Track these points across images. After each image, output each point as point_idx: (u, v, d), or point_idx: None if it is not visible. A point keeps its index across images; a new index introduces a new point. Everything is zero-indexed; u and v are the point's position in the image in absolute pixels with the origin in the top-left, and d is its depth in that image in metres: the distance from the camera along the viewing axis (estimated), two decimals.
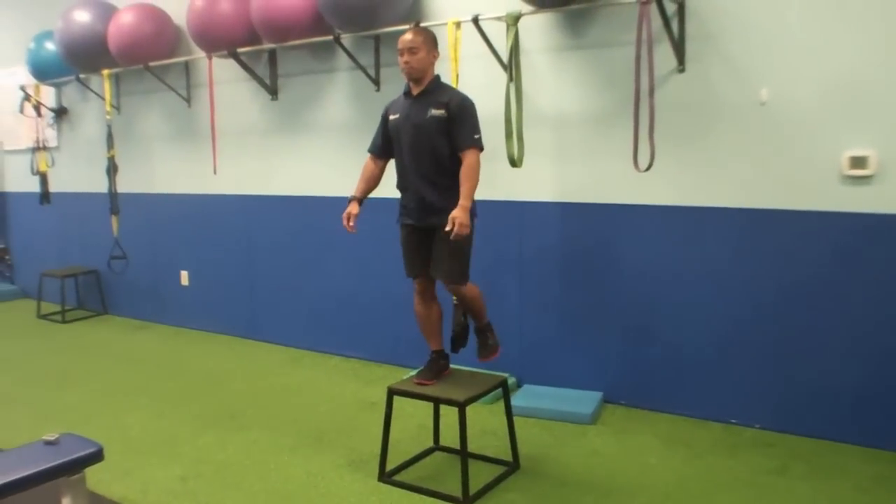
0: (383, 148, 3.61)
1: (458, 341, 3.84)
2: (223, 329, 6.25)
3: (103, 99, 6.25)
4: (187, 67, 6.07)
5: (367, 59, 4.99)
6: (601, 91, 4.20)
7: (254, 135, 5.79)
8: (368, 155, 3.66)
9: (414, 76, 3.44)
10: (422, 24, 4.43)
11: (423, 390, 3.33)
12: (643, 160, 3.59)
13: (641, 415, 4.17)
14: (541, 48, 4.37)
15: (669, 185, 4.03)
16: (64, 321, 6.89)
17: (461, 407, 3.18)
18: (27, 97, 6.71)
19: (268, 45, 5.15)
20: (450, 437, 3.81)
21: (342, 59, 5.07)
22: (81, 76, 6.35)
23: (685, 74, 3.93)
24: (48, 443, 2.93)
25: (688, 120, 3.94)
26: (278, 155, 5.65)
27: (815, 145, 3.64)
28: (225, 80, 5.78)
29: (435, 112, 3.38)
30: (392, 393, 3.41)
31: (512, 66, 4.04)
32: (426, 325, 3.55)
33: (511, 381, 4.61)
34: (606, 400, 4.35)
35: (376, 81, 4.99)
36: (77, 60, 6.02)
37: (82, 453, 2.90)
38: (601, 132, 4.21)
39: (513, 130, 4.04)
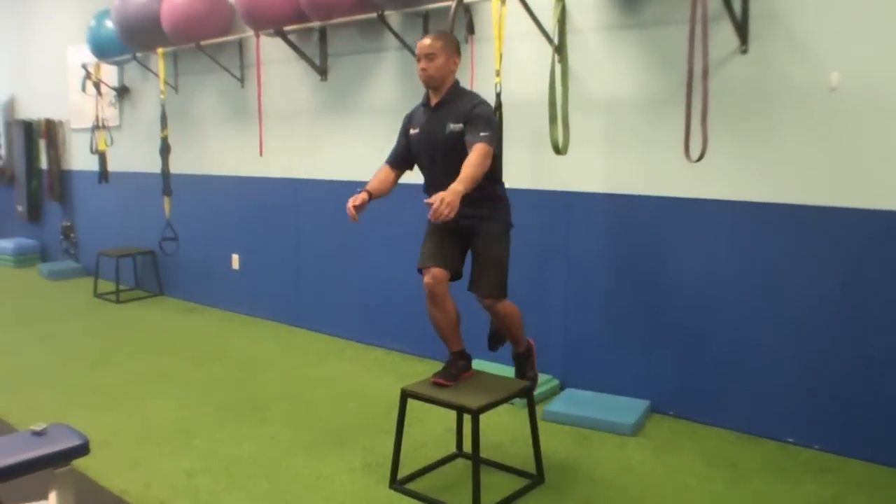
0: (402, 160, 3.41)
1: (497, 338, 3.58)
2: (270, 315, 6.14)
3: (159, 78, 6.19)
4: (241, 47, 5.95)
5: (414, 38, 4.72)
6: (656, 74, 3.83)
7: (303, 116, 5.62)
8: (385, 165, 3.43)
9: (432, 84, 3.20)
10: (465, 0, 4.16)
11: (437, 394, 3.07)
12: (695, 149, 3.22)
13: (689, 427, 3.81)
14: (593, 27, 4.02)
15: (728, 177, 3.64)
16: (118, 301, 6.93)
17: (474, 415, 2.91)
18: (88, 76, 6.72)
19: (315, 24, 4.95)
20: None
21: (390, 38, 4.83)
22: (139, 55, 6.32)
23: (748, 56, 3.52)
24: (35, 433, 2.81)
25: (750, 106, 3.54)
26: (327, 137, 5.47)
27: (891, 136, 3.20)
28: (276, 59, 5.64)
29: (454, 127, 3.15)
30: (406, 395, 3.16)
31: (557, 45, 3.72)
32: (443, 327, 3.26)
33: (553, 384, 4.32)
34: (654, 409, 4.00)
35: None
36: (133, 38, 5.98)
37: (67, 446, 2.78)
38: (656, 119, 3.85)
39: (557, 115, 3.72)
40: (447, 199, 2.82)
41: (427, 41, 3.18)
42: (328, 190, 5.52)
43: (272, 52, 5.60)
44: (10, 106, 8.96)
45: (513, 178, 4.31)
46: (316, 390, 4.49)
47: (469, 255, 3.32)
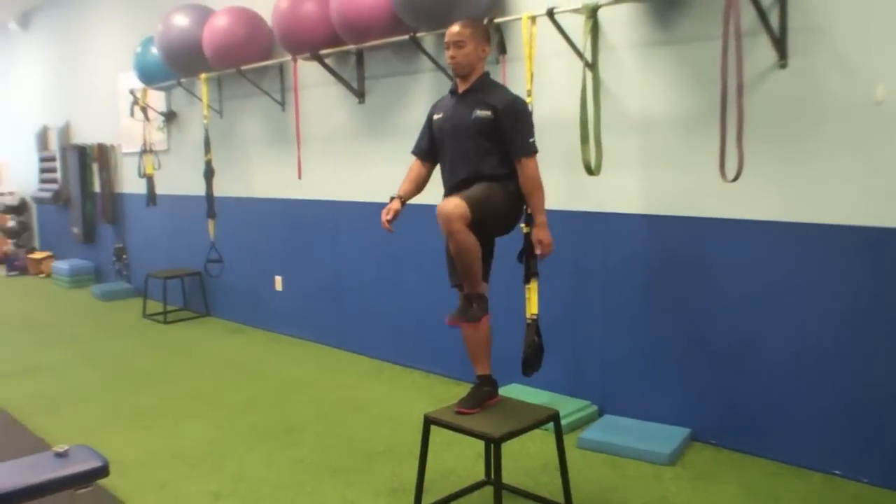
0: (428, 150, 3.35)
1: (531, 364, 3.49)
2: (313, 337, 6.15)
3: (202, 102, 6.31)
4: (281, 71, 6.02)
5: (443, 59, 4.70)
6: (692, 91, 3.72)
7: (342, 139, 5.64)
8: (415, 158, 3.38)
9: (460, 72, 3.16)
10: (496, 20, 4.13)
11: (460, 421, 2.99)
12: (732, 169, 3.11)
13: (731, 458, 3.65)
14: (627, 44, 3.94)
15: (769, 197, 3.50)
16: (165, 322, 7.03)
17: (496, 443, 2.82)
18: (136, 101, 6.88)
19: (350, 46, 4.97)
20: (508, 470, 3.49)
21: (424, 59, 4.82)
22: (183, 80, 6.44)
23: (787, 70, 3.40)
24: (58, 454, 2.83)
25: (791, 122, 3.41)
26: (365, 159, 5.48)
27: None
28: (314, 83, 5.68)
29: (480, 113, 3.09)
30: (429, 422, 3.09)
31: (589, 63, 3.65)
32: (473, 345, 3.21)
33: (591, 410, 4.21)
34: (695, 438, 3.85)
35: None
36: (176, 64, 6.10)
37: (87, 468, 2.77)
38: (693, 137, 3.73)
39: (588, 134, 3.64)
40: (541, 239, 3.15)
41: (456, 28, 3.15)
42: (367, 212, 5.50)
43: (311, 76, 5.65)
44: (66, 131, 9.24)
45: (548, 199, 4.22)
46: (350, 413, 4.46)
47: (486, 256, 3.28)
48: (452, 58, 3.14)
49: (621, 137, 3.95)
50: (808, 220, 3.40)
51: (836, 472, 3.40)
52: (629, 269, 4.05)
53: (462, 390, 4.61)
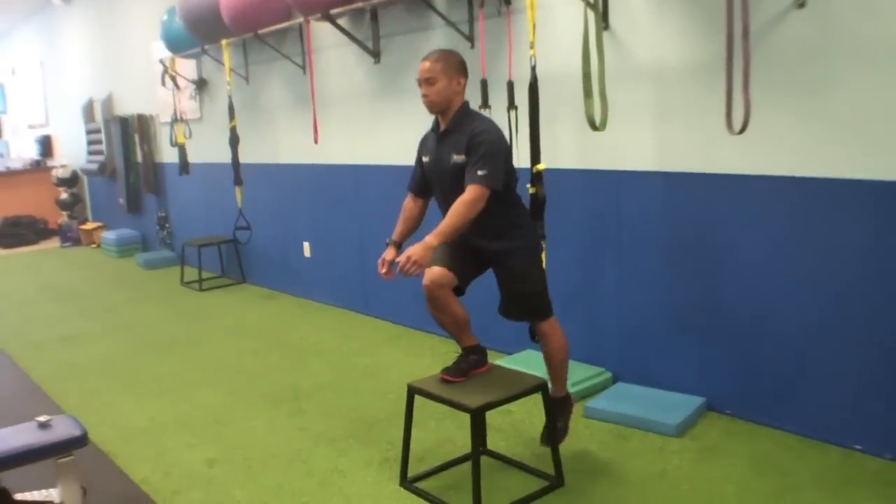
0: (422, 186, 3.20)
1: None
2: (339, 303, 6.11)
3: (230, 70, 6.26)
4: (301, 33, 5.91)
5: (460, 14, 4.52)
6: (708, 38, 3.45)
7: (359, 101, 5.52)
8: (408, 193, 3.24)
9: (435, 110, 2.98)
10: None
11: (440, 391, 2.88)
12: (738, 120, 2.89)
13: (746, 429, 3.45)
14: None
15: (790, 150, 3.24)
16: (201, 289, 7.09)
17: (474, 414, 2.70)
18: (165, 70, 6.89)
19: (361, 4, 4.82)
20: (507, 440, 3.40)
21: (436, 15, 4.64)
22: (208, 47, 6.40)
23: (805, 10, 3.10)
24: (41, 424, 2.85)
25: (811, 68, 3.12)
26: (383, 121, 5.35)
27: None
28: (331, 44, 5.57)
29: (457, 158, 2.91)
30: (412, 391, 3.00)
31: (590, 3, 3.44)
32: (449, 328, 3.06)
33: (605, 377, 4.05)
34: (711, 407, 3.66)
35: (469, 38, 4.51)
36: (197, 31, 6.06)
37: (66, 437, 2.80)
38: (708, 88, 3.47)
39: (592, 88, 3.43)
40: (414, 257, 2.68)
41: (426, 64, 2.94)
42: (387, 175, 5.40)
43: (327, 37, 5.53)
44: (109, 103, 9.36)
45: (558, 157, 4.08)
46: (362, 380, 4.40)
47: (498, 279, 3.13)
48: (425, 96, 2.94)
49: (633, 90, 3.73)
50: (831, 175, 3.13)
51: (857, 446, 3.17)
52: (644, 230, 3.85)
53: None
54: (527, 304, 3.06)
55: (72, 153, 10.95)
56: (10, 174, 11.30)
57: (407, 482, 3.05)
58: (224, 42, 6.00)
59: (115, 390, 4.45)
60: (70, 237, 10.38)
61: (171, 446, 3.61)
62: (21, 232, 10.76)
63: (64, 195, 10.66)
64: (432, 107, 2.96)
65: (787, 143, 3.23)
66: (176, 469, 3.36)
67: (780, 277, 3.34)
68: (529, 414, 3.68)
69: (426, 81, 2.93)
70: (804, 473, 3.01)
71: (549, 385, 3.15)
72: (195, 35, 6.15)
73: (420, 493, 2.99)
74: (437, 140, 3.04)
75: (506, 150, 2.97)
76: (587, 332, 4.18)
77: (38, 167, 11.53)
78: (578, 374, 3.99)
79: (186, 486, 3.20)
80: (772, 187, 3.31)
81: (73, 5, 10.09)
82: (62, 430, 2.84)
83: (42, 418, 2.87)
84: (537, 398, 3.05)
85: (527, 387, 2.90)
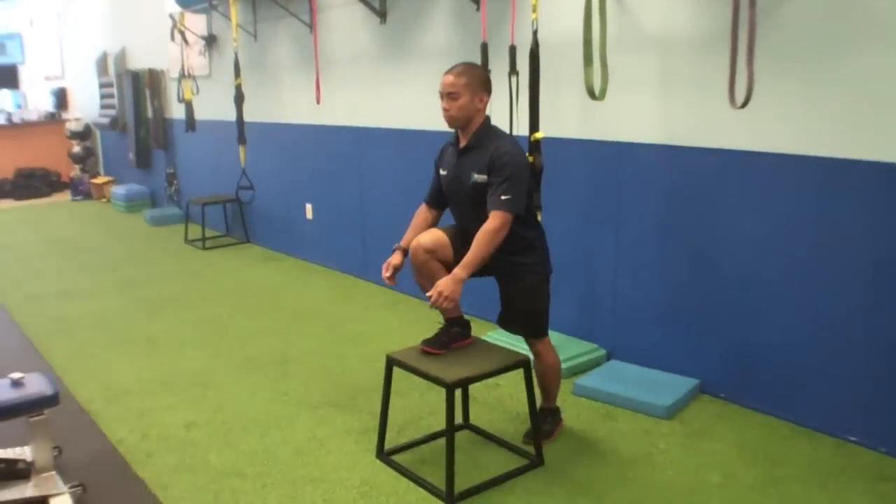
0: (438, 199, 3.10)
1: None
2: (339, 266, 6.04)
3: (238, 26, 6.14)
4: None
5: None
6: (718, 7, 3.28)
7: (364, 62, 5.39)
8: (423, 203, 3.14)
9: (454, 125, 2.87)
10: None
11: (417, 363, 2.79)
12: (741, 93, 2.76)
13: (738, 413, 3.35)
14: None
15: (796, 127, 3.09)
16: (204, 248, 7.04)
17: (449, 389, 2.62)
18: (174, 25, 6.77)
19: None
20: (493, 416, 3.34)
21: None
22: (215, 2, 6.27)
23: None
24: (14, 382, 2.80)
25: (821, 43, 2.96)
26: (387, 83, 5.22)
27: None
28: (339, 3, 5.43)
29: (478, 177, 2.80)
30: (390, 363, 2.92)
31: None
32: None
33: (599, 353, 3.96)
34: (704, 390, 3.56)
35: (475, 0, 4.35)
36: None
37: (37, 396, 2.75)
38: (716, 58, 3.29)
39: (593, 55, 3.29)
40: (446, 293, 2.65)
41: (449, 78, 2.81)
42: (389, 138, 5.29)
43: None
44: (122, 57, 9.27)
45: (559, 126, 3.95)
46: (352, 346, 4.33)
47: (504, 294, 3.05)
48: (446, 110, 2.82)
49: (639, 58, 3.58)
50: (838, 155, 2.98)
51: (852, 438, 3.06)
52: (643, 204, 3.72)
53: (478, 327, 4.42)
54: (528, 321, 2.99)
55: (86, 106, 10.89)
56: (25, 126, 11.27)
57: (383, 454, 2.99)
58: None
59: (105, 348, 4.41)
60: (81, 191, 10.37)
61: (152, 407, 3.57)
62: (34, 184, 10.76)
63: (77, 148, 10.63)
64: (452, 122, 2.86)
65: (794, 119, 3.08)
66: (154, 430, 3.32)
67: (780, 259, 3.21)
68: (517, 389, 3.58)
69: (448, 96, 2.81)
70: (793, 464, 2.91)
71: (541, 401, 3.11)
72: None
73: (395, 466, 2.92)
74: (456, 155, 2.93)
75: (527, 173, 2.87)
76: (582, 306, 4.08)
77: (53, 119, 11.49)
78: (571, 350, 3.91)
79: (162, 448, 3.16)
80: (776, 165, 3.17)
81: None
82: (34, 388, 2.79)
83: (15, 375, 2.82)
84: (519, 370, 2.96)
85: (508, 362, 2.81)
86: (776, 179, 3.19)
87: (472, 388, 3.39)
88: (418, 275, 2.90)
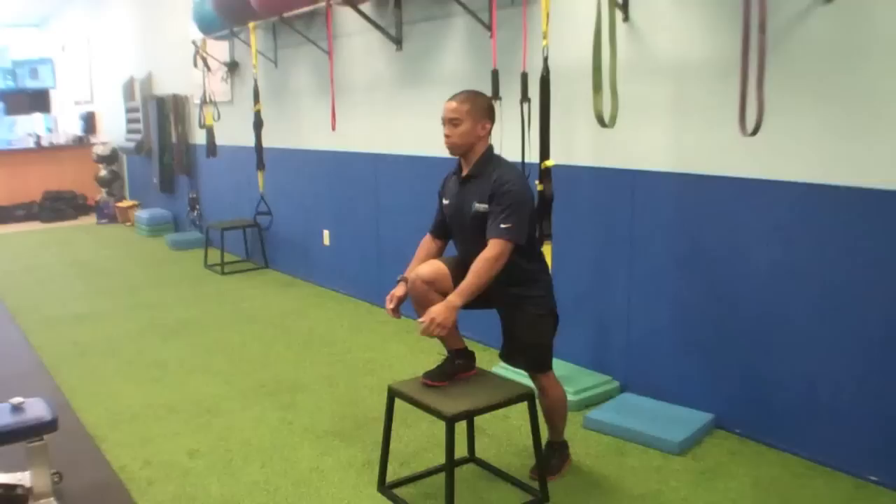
0: (442, 229, 3.06)
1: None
2: (355, 293, 6.02)
3: (258, 53, 6.20)
4: (327, 19, 5.80)
5: (481, 2, 4.35)
6: (730, 33, 3.23)
7: (381, 88, 5.40)
8: (428, 234, 3.11)
9: (456, 152, 2.84)
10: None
11: (418, 394, 2.74)
12: (751, 121, 2.69)
13: (753, 450, 3.24)
14: None
15: (815, 155, 3.01)
16: (223, 273, 7.05)
17: (449, 422, 2.55)
18: (196, 51, 6.85)
19: None
20: (500, 449, 3.26)
21: (456, 2, 4.48)
22: (237, 29, 6.33)
23: (832, 6, 2.88)
24: (14, 407, 2.79)
25: (836, 67, 2.89)
26: (403, 109, 5.22)
27: None
28: (354, 30, 5.46)
29: (479, 207, 2.76)
30: (393, 394, 2.86)
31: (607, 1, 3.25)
32: None
33: (612, 385, 3.88)
34: (719, 425, 3.46)
35: (489, 26, 4.33)
36: (226, 13, 6.00)
37: (34, 422, 2.74)
38: (730, 86, 3.24)
39: (601, 81, 3.25)
40: (438, 320, 2.58)
41: (452, 104, 2.79)
42: (405, 165, 5.27)
43: (351, 23, 5.42)
44: (148, 82, 9.40)
45: (572, 154, 3.91)
46: (361, 374, 4.28)
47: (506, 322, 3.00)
48: (447, 136, 2.80)
49: (651, 85, 3.53)
50: (857, 184, 2.90)
51: (872, 477, 2.94)
52: (657, 234, 3.65)
53: (488, 356, 4.37)
54: (530, 356, 2.93)
55: (113, 131, 11.05)
56: (53, 149, 11.46)
57: (384, 487, 2.93)
58: (251, 25, 5.92)
59: (116, 372, 4.41)
60: (106, 214, 10.49)
61: (157, 434, 3.54)
62: (61, 207, 10.91)
63: (103, 172, 10.77)
64: (454, 149, 2.83)
65: (810, 148, 3.01)
66: (156, 458, 3.29)
67: (799, 291, 3.12)
68: (526, 421, 3.49)
69: (450, 122, 2.78)
70: (811, 503, 2.80)
71: (549, 435, 3.06)
72: (223, 17, 6.10)
73: (396, 500, 2.86)
74: (458, 184, 2.90)
75: (531, 203, 2.82)
76: (595, 337, 4.01)
77: (81, 143, 11.67)
78: (584, 382, 3.83)
79: (163, 476, 3.12)
80: (792, 195, 3.09)
81: None
82: (33, 413, 2.78)
83: (15, 400, 2.81)
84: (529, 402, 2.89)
85: (511, 395, 2.74)
86: (792, 209, 3.11)
87: (481, 420, 3.35)
88: (417, 305, 2.84)
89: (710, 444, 3.31)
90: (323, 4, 5.17)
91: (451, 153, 2.86)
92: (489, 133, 2.84)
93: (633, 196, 3.75)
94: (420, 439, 3.38)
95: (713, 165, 3.38)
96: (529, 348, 2.90)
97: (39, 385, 4.13)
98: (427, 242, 3.08)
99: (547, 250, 3.52)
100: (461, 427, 3.12)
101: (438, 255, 3.05)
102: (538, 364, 2.92)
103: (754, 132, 2.70)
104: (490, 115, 2.83)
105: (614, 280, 3.88)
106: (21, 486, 2.84)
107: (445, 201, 2.98)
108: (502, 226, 2.66)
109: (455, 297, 2.61)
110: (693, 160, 3.45)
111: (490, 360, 4.12)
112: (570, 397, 3.69)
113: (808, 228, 3.07)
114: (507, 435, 3.44)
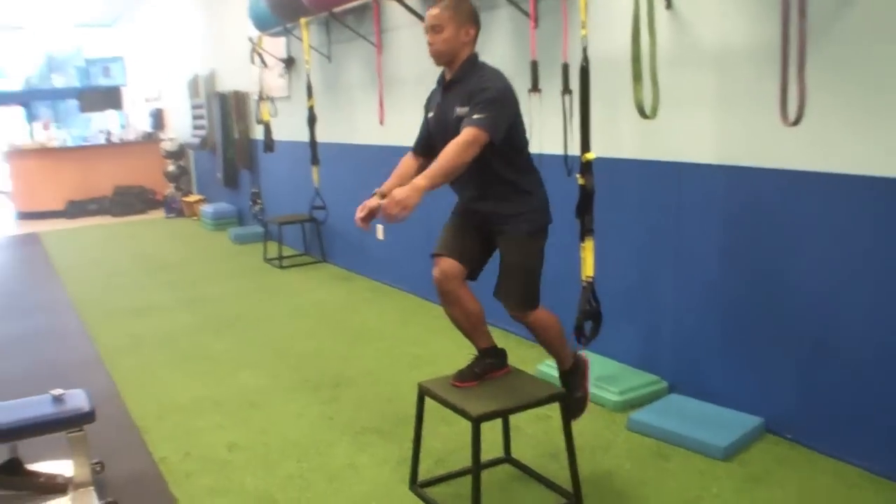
0: (425, 147, 2.97)
1: (583, 331, 3.12)
2: (408, 288, 6.01)
3: (310, 48, 6.23)
4: (374, 13, 5.79)
5: None
6: (771, 15, 3.07)
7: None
8: (409, 151, 3.05)
9: (440, 60, 2.77)
10: None
11: (446, 394, 2.69)
12: (793, 109, 2.56)
13: (804, 456, 3.09)
14: None
15: (863, 146, 2.84)
16: (281, 266, 7.14)
17: (475, 423, 2.50)
18: (253, 47, 6.94)
19: None
20: (537, 449, 3.19)
21: None
22: (289, 25, 6.38)
23: None
24: (55, 398, 2.86)
25: (889, 53, 2.72)
26: None
27: None
28: (404, 23, 5.42)
29: (460, 111, 2.67)
30: (423, 392, 2.83)
31: None
32: (462, 325, 2.87)
33: (660, 386, 3.76)
34: (769, 429, 3.31)
35: (532, 16, 4.23)
36: (277, 9, 6.04)
37: (73, 413, 2.79)
38: (772, 73, 3.10)
39: (641, 71, 3.14)
40: (398, 197, 2.42)
41: (434, 11, 2.73)
42: None
43: (402, 17, 5.38)
44: (212, 79, 9.58)
45: (615, 146, 3.81)
46: (407, 370, 4.27)
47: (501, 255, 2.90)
48: (430, 44, 2.74)
49: (696, 74, 3.39)
50: None
51: None
52: (704, 228, 3.52)
53: (537, 353, 4.30)
54: (519, 282, 2.79)
55: (180, 127, 11.33)
56: (124, 145, 11.81)
57: (416, 486, 2.90)
58: (303, 20, 5.96)
59: (167, 365, 4.50)
60: (174, 208, 10.76)
61: (200, 426, 3.59)
62: (131, 201, 11.25)
63: (171, 167, 11.05)
64: (438, 57, 2.76)
65: (868, 137, 2.84)
66: (196, 450, 3.34)
67: (855, 289, 2.96)
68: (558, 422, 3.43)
69: (432, 29, 2.72)
70: None
71: (557, 367, 3.00)
72: (276, 13, 6.15)
73: (426, 499, 2.83)
74: (441, 94, 2.83)
75: (512, 103, 2.72)
76: (642, 335, 3.90)
77: (150, 139, 12.00)
78: (630, 382, 3.73)
79: (201, 469, 3.17)
80: (841, 186, 2.93)
81: None
82: (73, 404, 2.84)
83: (56, 392, 2.88)
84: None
85: (541, 396, 2.67)
86: (844, 202, 2.94)
87: (519, 419, 3.29)
88: (444, 301, 2.84)
89: (758, 450, 3.17)
90: (363, 1, 5.15)
91: (436, 62, 2.79)
92: (474, 39, 2.77)
93: (679, 189, 3.62)
94: (458, 437, 3.34)
95: (762, 157, 3.23)
96: (518, 272, 2.77)
97: (93, 375, 4.26)
98: (407, 160, 3.00)
99: (589, 246, 3.43)
100: (495, 426, 3.09)
101: (416, 173, 2.84)
102: (522, 295, 2.79)
103: (796, 122, 2.56)
104: (474, 20, 2.76)
105: (661, 276, 3.76)
106: (62, 475, 2.91)
107: (430, 114, 2.90)
108: (475, 116, 2.56)
109: (420, 180, 2.49)
110: (741, 152, 3.31)
111: (535, 358, 4.06)
112: (613, 398, 3.62)
113: (867, 223, 2.89)
114: (545, 435, 3.37)
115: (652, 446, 3.24)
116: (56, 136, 11.76)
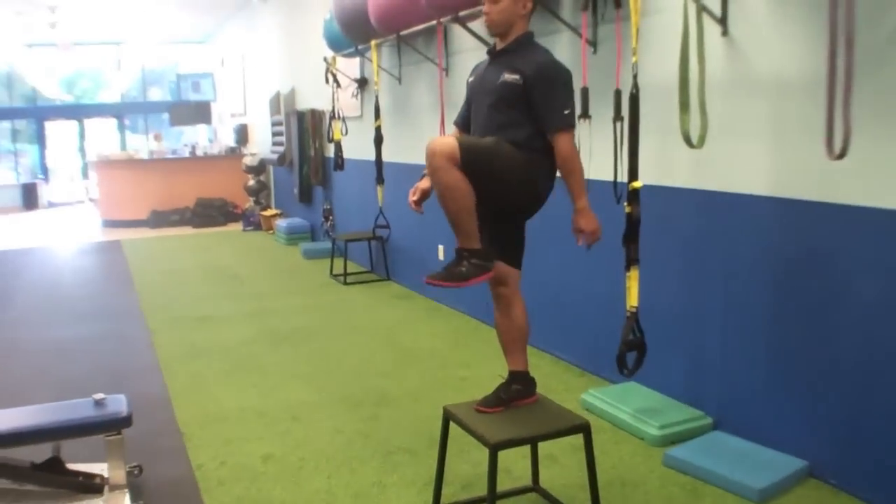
0: (466, 118, 3.00)
1: (625, 362, 3.10)
2: (466, 309, 6.02)
3: (384, 70, 6.35)
4: (446, 36, 5.86)
5: (579, 17, 4.25)
6: (823, 45, 2.97)
7: None
8: (454, 126, 3.06)
9: (495, 31, 2.78)
10: None
11: (468, 418, 2.68)
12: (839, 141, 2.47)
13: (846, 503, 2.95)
14: None
15: None
16: (345, 283, 7.25)
17: (492, 450, 2.49)
18: (327, 68, 7.11)
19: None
20: (567, 479, 3.15)
21: (559, 20, 4.40)
22: (361, 47, 6.52)
23: None
24: (96, 402, 2.98)
25: None
26: None
27: None
28: (469, 47, 5.47)
29: (508, 77, 2.67)
30: (447, 416, 2.83)
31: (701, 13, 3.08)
32: (504, 335, 2.87)
33: (704, 422, 3.65)
34: (813, 473, 3.17)
35: (593, 43, 4.22)
36: (349, 31, 6.19)
37: (110, 417, 2.91)
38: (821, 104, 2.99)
39: (689, 99, 3.08)
40: (587, 230, 2.75)
41: None
42: None
43: (467, 41, 5.43)
44: (292, 97, 9.87)
45: (665, 174, 3.74)
46: (451, 392, 4.26)
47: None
48: (486, 14, 2.75)
49: (749, 102, 3.31)
50: None
51: None
52: (754, 262, 3.41)
53: (583, 382, 4.25)
54: (477, 143, 2.69)
55: (261, 142, 11.68)
56: (207, 159, 12.26)
57: None
58: (373, 43, 6.08)
59: (220, 375, 4.62)
60: (252, 222, 11.08)
61: (240, 436, 3.68)
62: (211, 213, 11.65)
63: (252, 182, 11.40)
64: (493, 27, 2.77)
65: None
66: (232, 460, 3.42)
67: None
68: (602, 452, 3.38)
69: None
70: None
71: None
72: (348, 35, 6.30)
73: None
74: (488, 63, 2.85)
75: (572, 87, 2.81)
76: (689, 368, 3.79)
77: (233, 153, 12.42)
78: (673, 416, 3.63)
79: (233, 478, 3.24)
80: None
81: (269, 3, 10.73)
82: (112, 409, 2.95)
83: (98, 396, 3.00)
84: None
85: (563, 426, 2.63)
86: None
87: (553, 447, 3.25)
88: (496, 307, 2.90)
89: (798, 494, 3.04)
90: (433, 23, 5.22)
91: (490, 32, 2.81)
92: (530, 14, 2.78)
93: (728, 220, 3.52)
94: (484, 466, 3.31)
95: (815, 190, 3.11)
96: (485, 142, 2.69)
97: (149, 381, 4.42)
98: (455, 135, 2.97)
99: (634, 275, 3.38)
100: (524, 453, 3.06)
101: None
102: (467, 148, 2.59)
103: (841, 155, 2.47)
104: None
105: (709, 308, 3.65)
106: (100, 475, 3.02)
107: (471, 78, 2.93)
108: (563, 112, 2.67)
109: (579, 201, 2.71)
110: (794, 184, 3.20)
111: (581, 386, 4.00)
112: (653, 432, 3.53)
113: None
114: (579, 465, 3.29)
115: (686, 484, 3.15)
116: (166, 149, 12.39)
